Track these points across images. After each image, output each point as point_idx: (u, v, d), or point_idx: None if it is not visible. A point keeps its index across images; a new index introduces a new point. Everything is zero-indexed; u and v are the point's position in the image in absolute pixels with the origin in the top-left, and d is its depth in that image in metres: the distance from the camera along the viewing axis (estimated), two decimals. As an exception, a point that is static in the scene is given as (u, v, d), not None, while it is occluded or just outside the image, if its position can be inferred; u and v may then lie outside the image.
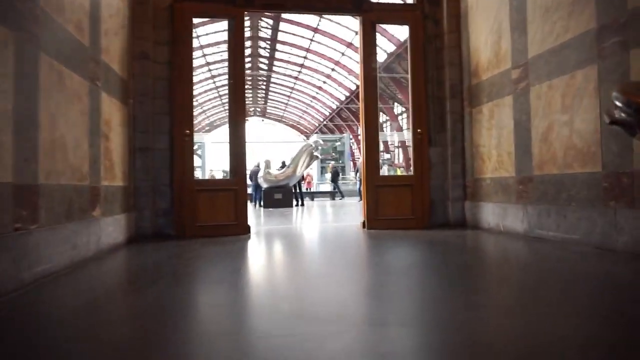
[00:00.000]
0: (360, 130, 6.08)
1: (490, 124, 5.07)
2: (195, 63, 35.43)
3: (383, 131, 45.44)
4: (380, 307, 2.13)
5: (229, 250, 4.26)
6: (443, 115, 5.80)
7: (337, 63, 45.29)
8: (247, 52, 47.34)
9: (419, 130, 5.71)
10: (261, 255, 4.16)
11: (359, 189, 15.33)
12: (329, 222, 7.26)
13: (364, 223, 5.69)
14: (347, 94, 48.82)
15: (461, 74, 5.64)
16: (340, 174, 23.34)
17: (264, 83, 54.77)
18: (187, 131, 5.35)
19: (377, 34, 5.79)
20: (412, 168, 5.85)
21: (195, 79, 38.63)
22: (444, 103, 5.79)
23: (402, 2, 6.18)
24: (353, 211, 10.51)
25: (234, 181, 5.52)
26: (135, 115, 5.14)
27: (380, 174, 5.79)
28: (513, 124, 4.64)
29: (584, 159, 3.64)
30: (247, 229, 5.47)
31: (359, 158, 45.45)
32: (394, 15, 5.98)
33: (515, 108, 4.60)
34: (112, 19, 4.36)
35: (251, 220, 8.45)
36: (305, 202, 14.85)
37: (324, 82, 50.42)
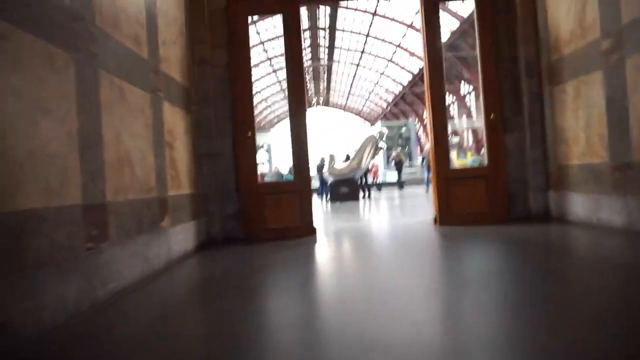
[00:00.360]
0: (427, 117, 5.72)
1: (577, 104, 4.50)
2: (257, 59, 36.14)
3: (452, 117, 43.58)
4: (460, 332, 1.89)
5: (295, 256, 4.16)
6: (519, 96, 5.28)
7: (398, 46, 44.07)
8: (307, 42, 47.59)
9: (492, 114, 5.24)
10: (328, 262, 4.02)
11: (427, 178, 14.71)
12: (399, 218, 6.98)
13: (435, 219, 5.36)
14: (411, 77, 47.46)
15: (538, 50, 5.08)
16: (405, 161, 22.64)
17: (325, 73, 54.76)
18: (249, 133, 5.32)
19: (439, 12, 5.36)
20: (485, 156, 5.40)
21: (258, 74, 39.54)
22: (520, 83, 5.26)
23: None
24: (422, 203, 10.10)
25: (298, 182, 5.42)
26: (199, 121, 5.19)
27: (450, 158, 5.40)
28: (605, 103, 4.07)
29: (701, 141, 3.08)
30: (313, 231, 5.36)
31: (426, 143, 44.13)
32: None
33: (607, 84, 4.03)
34: (168, 28, 4.39)
35: (318, 217, 8.38)
36: (372, 194, 14.57)
37: (386, 67, 49.38)
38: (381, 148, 13.87)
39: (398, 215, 8.15)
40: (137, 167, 3.41)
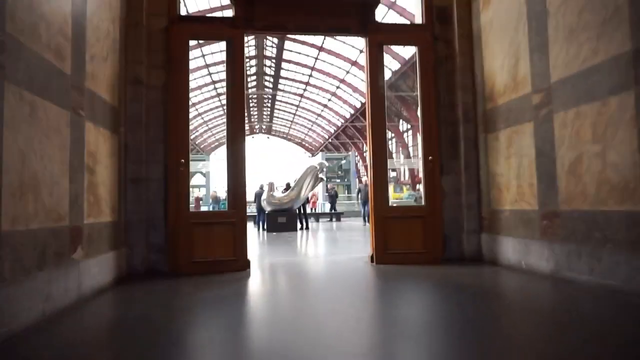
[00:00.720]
0: (367, 153, 5.73)
1: (509, 151, 4.68)
2: (202, 81, 35.50)
3: (391, 156, 45.19)
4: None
5: (224, 295, 3.86)
6: (456, 141, 5.43)
7: (342, 81, 45.32)
8: (252, 70, 47.69)
9: (430, 157, 5.33)
10: (259, 303, 3.76)
11: (363, 211, 14.90)
12: (336, 254, 6.84)
13: (372, 257, 5.28)
14: (352, 112, 48.79)
15: (475, 98, 5.29)
16: (341, 193, 23.32)
17: (269, 101, 55.02)
18: (182, 160, 5.01)
19: (383, 53, 5.46)
20: (422, 193, 5.45)
21: (201, 97, 38.75)
22: (457, 128, 5.42)
23: (409, 23, 5.82)
24: (359, 237, 10.09)
25: (232, 213, 5.14)
26: (127, 144, 4.81)
27: (387, 196, 5.39)
28: (535, 153, 4.25)
29: (622, 196, 3.24)
30: (246, 264, 5.08)
31: (364, 175, 45.11)
32: (402, 36, 5.66)
33: (537, 136, 4.22)
34: (100, 42, 4.06)
35: (253, 248, 8.07)
36: (310, 225, 14.42)
37: (329, 100, 50.50)
38: (322, 179, 13.86)
39: (335, 250, 8.03)
40: (45, 193, 3.01)
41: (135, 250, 4.81)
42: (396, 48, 32.96)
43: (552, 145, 3.98)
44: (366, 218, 14.54)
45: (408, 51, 29.38)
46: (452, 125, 5.46)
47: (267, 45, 42.18)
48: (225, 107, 5.10)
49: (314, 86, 48.17)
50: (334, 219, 18.64)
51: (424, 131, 5.42)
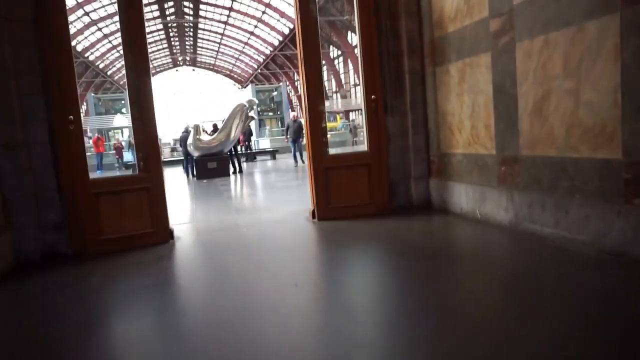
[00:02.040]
0: (301, 90, 4.98)
1: (461, 87, 4.13)
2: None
3: (327, 99, 43.74)
4: None
5: (141, 284, 3.14)
6: (400, 76, 4.79)
7: (267, 5, 42.53)
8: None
9: (372, 96, 4.68)
10: (188, 291, 3.11)
11: (294, 151, 13.74)
12: (273, 208, 6.19)
13: (313, 213, 4.72)
14: (281, 39, 46.50)
15: (421, 25, 4.59)
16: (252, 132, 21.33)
17: (192, 30, 50.87)
18: (71, 117, 3.98)
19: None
20: (366, 142, 4.87)
21: (102, 12, 33.58)
22: (402, 61, 4.75)
23: None
24: (295, 181, 9.52)
25: (145, 177, 4.27)
26: (-10, 100, 3.69)
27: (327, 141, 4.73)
28: (492, 90, 3.72)
29: (596, 141, 2.82)
30: (168, 236, 4.33)
31: (296, 107, 44.12)
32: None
33: (495, 69, 3.67)
34: None
35: (180, 204, 7.23)
36: (243, 167, 13.60)
37: (256, 27, 47.59)
38: (252, 117, 12.85)
39: (272, 202, 7.41)
40: None
41: (23, 232, 3.88)
42: (324, -33, 30.81)
43: (514, 80, 3.46)
44: (297, 156, 13.56)
45: (337, -30, 27.31)
46: (395, 58, 4.78)
47: (182, -34, 38.00)
48: (121, 34, 4.02)
49: (238, 11, 44.90)
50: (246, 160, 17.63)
51: (365, 66, 4.70)
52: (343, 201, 4.68)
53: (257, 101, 14.83)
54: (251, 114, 12.38)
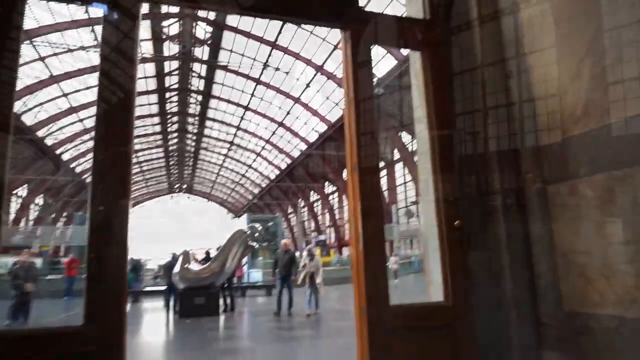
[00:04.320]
0: (349, 201, 3.51)
1: (607, 213, 2.72)
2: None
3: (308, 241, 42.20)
4: None
5: None
6: (486, 195, 3.43)
7: (267, 141, 44.21)
8: (175, 127, 45.03)
9: (457, 221, 3.23)
10: None
11: (279, 293, 10.27)
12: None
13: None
14: (278, 172, 47.42)
15: (522, 127, 3.38)
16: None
17: (191, 159, 52.14)
18: None
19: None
20: (441, 290, 3.26)
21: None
22: (488, 176, 3.44)
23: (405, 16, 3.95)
24: (308, 330, 7.58)
25: (90, 330, 2.53)
26: None
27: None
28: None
29: None
30: None
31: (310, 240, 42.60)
32: (400, 33, 3.68)
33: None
34: None
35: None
36: (235, 306, 11.50)
37: (254, 160, 48.90)
38: (252, 247, 11.18)
39: None
40: None
41: None
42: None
43: None
44: (283, 300, 10.15)
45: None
46: (477, 173, 3.48)
47: (190, 102, 40.13)
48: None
49: (239, 146, 46.49)
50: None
51: (441, 172, 3.34)
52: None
53: (259, 227, 13.32)
54: (252, 242, 10.79)
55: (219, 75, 33.81)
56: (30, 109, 24.56)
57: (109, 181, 2.73)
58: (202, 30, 27.90)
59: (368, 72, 3.44)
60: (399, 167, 34.77)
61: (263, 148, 43.35)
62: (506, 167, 3.40)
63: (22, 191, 33.83)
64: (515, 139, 3.41)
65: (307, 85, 31.79)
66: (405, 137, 29.78)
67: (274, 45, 27.36)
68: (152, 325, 9.12)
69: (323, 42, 26.43)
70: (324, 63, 28.50)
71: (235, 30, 27.62)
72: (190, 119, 42.15)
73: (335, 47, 25.95)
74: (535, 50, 3.30)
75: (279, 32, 26.70)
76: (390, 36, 3.63)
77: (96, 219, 2.68)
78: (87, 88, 27.44)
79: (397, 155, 33.14)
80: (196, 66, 32.75)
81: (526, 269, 3.25)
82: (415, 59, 3.74)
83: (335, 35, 23.93)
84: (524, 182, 3.33)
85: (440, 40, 3.59)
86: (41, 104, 25.48)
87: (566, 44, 3.06)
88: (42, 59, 22.94)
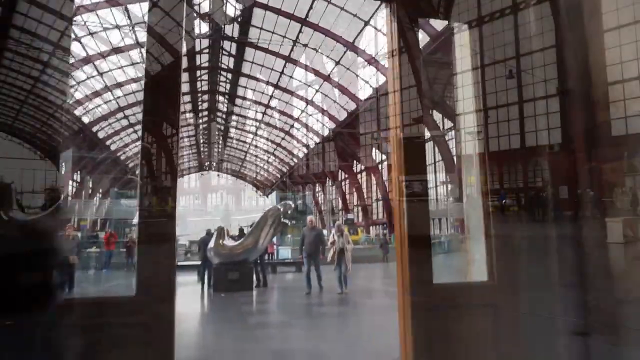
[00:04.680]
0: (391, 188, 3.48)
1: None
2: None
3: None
4: None
5: None
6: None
7: (297, 119, 44.16)
8: (204, 105, 45.52)
9: (504, 200, 3.16)
10: None
11: (307, 271, 9.97)
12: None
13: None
14: (306, 151, 47.43)
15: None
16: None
17: (221, 137, 52.76)
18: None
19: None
20: (485, 267, 3.22)
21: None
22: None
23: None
24: (340, 307, 7.67)
25: (140, 302, 2.62)
26: None
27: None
28: None
29: None
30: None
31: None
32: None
33: None
34: None
35: (180, 334, 5.24)
36: (268, 281, 11.73)
37: (283, 139, 49.06)
38: (286, 224, 11.31)
39: (327, 341, 5.54)
40: None
41: None
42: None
43: None
44: (312, 278, 9.88)
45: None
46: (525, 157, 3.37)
47: (220, 81, 40.39)
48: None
49: (268, 124, 46.65)
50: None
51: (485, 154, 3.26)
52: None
53: (293, 205, 13.39)
54: (285, 220, 10.92)
55: (249, 52, 33.75)
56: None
57: (158, 158, 2.80)
58: (232, 8, 27.80)
59: (414, 43, 3.36)
60: (429, 146, 34.57)
61: (292, 127, 43.39)
62: (553, 154, 3.29)
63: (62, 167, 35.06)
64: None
65: (337, 62, 31.42)
66: (436, 115, 29.44)
67: (304, 22, 27.05)
68: (188, 298, 9.43)
69: (354, 19, 25.93)
70: (354, 40, 28.02)
71: (265, 7, 27.40)
72: (220, 97, 42.47)
73: (367, 23, 25.43)
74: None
75: (310, 8, 26.30)
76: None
77: (146, 195, 2.76)
78: (120, 67, 27.88)
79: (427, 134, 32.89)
80: (226, 44, 32.75)
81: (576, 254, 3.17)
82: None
83: (366, 11, 23.45)
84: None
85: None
86: (78, 82, 26.13)
87: None
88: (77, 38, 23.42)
